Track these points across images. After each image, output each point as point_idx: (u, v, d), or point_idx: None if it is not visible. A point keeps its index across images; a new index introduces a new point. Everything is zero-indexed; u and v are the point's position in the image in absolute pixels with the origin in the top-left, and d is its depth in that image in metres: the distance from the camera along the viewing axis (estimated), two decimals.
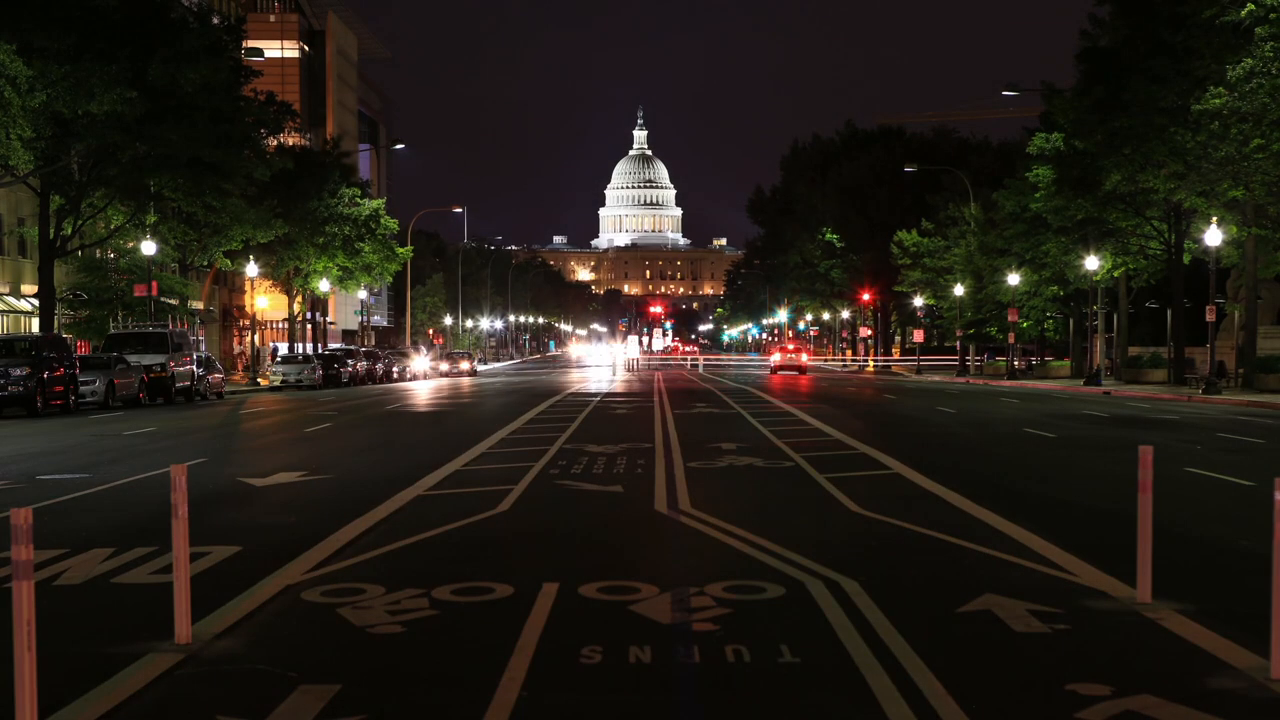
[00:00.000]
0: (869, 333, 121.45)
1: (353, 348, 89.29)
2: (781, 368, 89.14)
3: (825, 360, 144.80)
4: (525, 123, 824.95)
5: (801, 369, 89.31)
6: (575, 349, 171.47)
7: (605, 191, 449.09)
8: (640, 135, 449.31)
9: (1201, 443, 26.99)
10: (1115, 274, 66.48)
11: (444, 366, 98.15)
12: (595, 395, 49.86)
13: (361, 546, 13.37)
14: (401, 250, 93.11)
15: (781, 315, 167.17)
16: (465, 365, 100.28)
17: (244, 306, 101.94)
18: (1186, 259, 61.97)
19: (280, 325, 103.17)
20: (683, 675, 8.49)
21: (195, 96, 50.97)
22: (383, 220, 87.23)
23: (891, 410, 41.52)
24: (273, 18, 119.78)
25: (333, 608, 10.44)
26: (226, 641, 9.38)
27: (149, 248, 56.54)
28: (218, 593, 10.85)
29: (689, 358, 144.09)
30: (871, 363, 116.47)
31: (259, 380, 70.77)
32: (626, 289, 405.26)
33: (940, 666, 8.47)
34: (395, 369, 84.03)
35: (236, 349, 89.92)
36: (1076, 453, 25.34)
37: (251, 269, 76.02)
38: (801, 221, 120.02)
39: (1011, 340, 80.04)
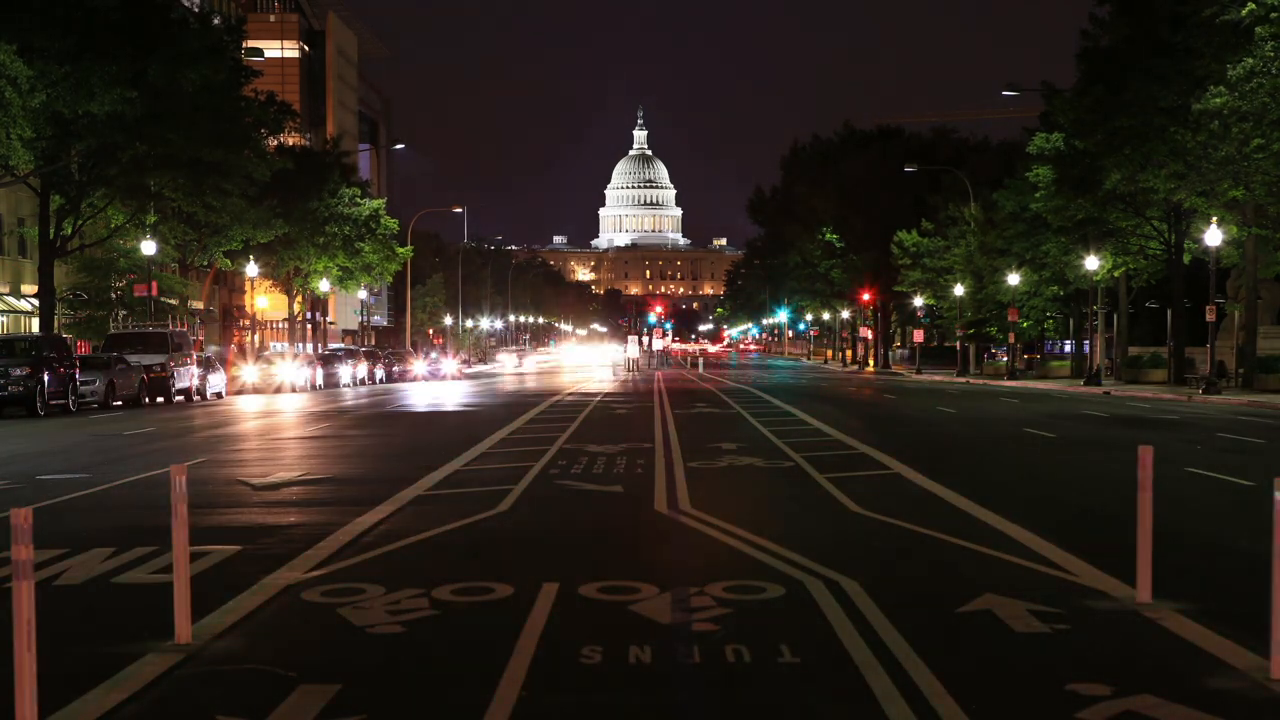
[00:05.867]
0: (869, 333, 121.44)
1: (353, 347, 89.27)
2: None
3: (826, 360, 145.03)
4: (526, 122, 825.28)
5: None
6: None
7: (605, 191, 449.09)
8: (640, 135, 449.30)
9: (1201, 443, 26.98)
10: (1115, 274, 66.47)
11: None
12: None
13: (361, 546, 13.37)
14: (401, 250, 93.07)
15: (782, 315, 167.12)
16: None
17: (244, 306, 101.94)
18: (1186, 259, 61.97)
19: (280, 325, 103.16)
20: (683, 675, 8.49)
21: (195, 97, 50.96)
22: (383, 220, 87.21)
23: (892, 410, 41.51)
24: (273, 18, 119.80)
25: (333, 608, 10.44)
26: (226, 641, 9.38)
27: (149, 248, 56.52)
28: (218, 593, 10.85)
29: (687, 357, 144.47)
30: (872, 362, 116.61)
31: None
32: (626, 289, 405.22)
33: (940, 666, 8.47)
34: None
35: (234, 351, 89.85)
36: (1077, 452, 25.34)
37: (251, 269, 76.03)
38: (801, 221, 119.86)
39: (1012, 340, 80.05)
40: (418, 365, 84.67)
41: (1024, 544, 13.37)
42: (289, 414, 40.01)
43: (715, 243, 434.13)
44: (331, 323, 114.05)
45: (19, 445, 27.76)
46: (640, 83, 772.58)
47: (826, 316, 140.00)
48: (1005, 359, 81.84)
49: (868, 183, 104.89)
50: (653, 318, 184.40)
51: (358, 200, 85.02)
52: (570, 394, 52.14)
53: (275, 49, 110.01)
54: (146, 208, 55.85)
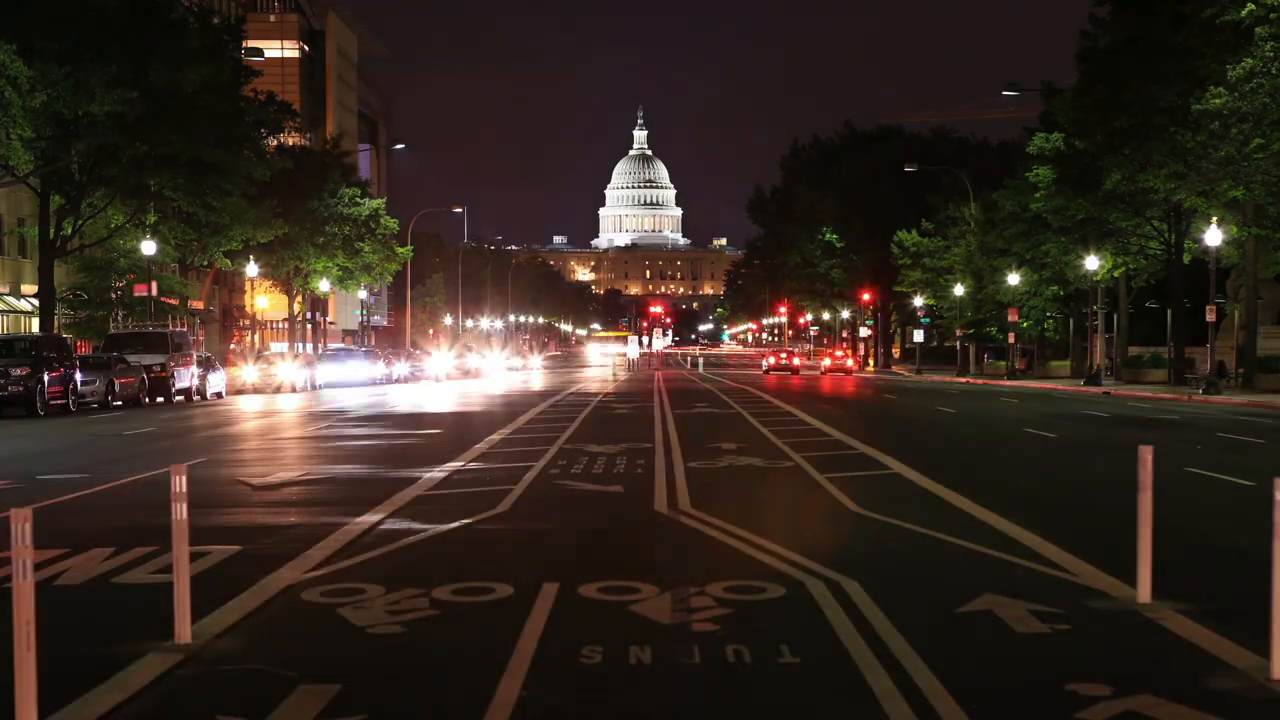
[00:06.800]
0: (869, 333, 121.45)
1: (353, 347, 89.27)
2: (774, 369, 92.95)
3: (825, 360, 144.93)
4: (525, 123, 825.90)
5: (794, 370, 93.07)
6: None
7: (605, 191, 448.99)
8: (640, 135, 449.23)
9: (1201, 443, 26.99)
10: (1115, 274, 66.48)
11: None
12: None
13: (361, 546, 13.37)
14: (401, 250, 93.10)
15: (782, 315, 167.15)
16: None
17: (244, 306, 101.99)
18: (1186, 259, 61.96)
19: (280, 325, 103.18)
20: (683, 675, 8.49)
21: (195, 97, 50.97)
22: (383, 220, 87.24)
23: (891, 410, 41.52)
24: (273, 18, 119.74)
25: (333, 608, 10.44)
26: (226, 641, 9.38)
27: (149, 248, 56.51)
28: (218, 593, 10.84)
29: (688, 357, 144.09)
30: (872, 362, 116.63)
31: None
32: (626, 289, 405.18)
33: (940, 666, 8.47)
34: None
35: (233, 351, 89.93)
36: (1076, 452, 25.35)
37: (251, 269, 76.05)
38: (801, 221, 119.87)
39: (1011, 340, 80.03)
40: (398, 367, 75.88)
41: (1024, 544, 13.36)
42: (288, 414, 40.01)
43: (715, 243, 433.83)
44: (332, 323, 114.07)
45: (19, 445, 27.75)
46: (640, 83, 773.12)
47: (827, 316, 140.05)
48: (1006, 362, 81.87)
49: (868, 183, 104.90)
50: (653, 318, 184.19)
51: (358, 200, 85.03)
52: (569, 394, 52.15)
53: (275, 49, 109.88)
54: (146, 208, 55.84)
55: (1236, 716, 7.62)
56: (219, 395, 52.41)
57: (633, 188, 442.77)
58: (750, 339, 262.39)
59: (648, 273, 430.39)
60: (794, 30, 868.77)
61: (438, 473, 20.38)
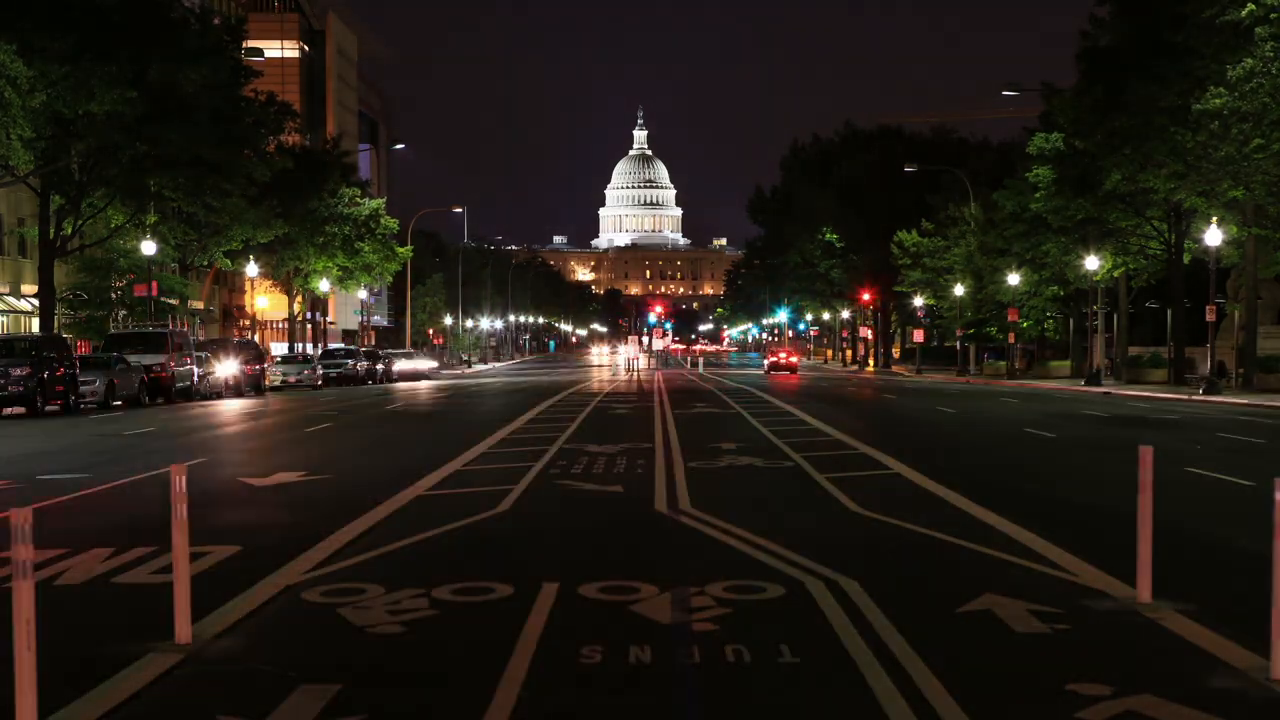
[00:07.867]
0: (869, 333, 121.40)
1: (353, 348, 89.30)
2: (775, 367, 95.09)
3: (825, 360, 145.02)
4: (525, 122, 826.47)
5: (793, 369, 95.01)
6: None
7: (605, 191, 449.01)
8: (640, 135, 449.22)
9: (1201, 443, 26.98)
10: (1115, 274, 66.46)
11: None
12: None
13: (361, 546, 13.37)
14: (401, 250, 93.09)
15: (782, 315, 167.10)
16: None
17: (244, 306, 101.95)
18: (1186, 259, 61.95)
19: (280, 325, 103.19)
20: (682, 675, 8.49)
21: (196, 96, 50.97)
22: (383, 220, 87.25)
23: (891, 410, 41.50)
24: (273, 18, 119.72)
25: (333, 608, 10.44)
26: (226, 641, 9.38)
27: (149, 248, 56.50)
28: (218, 593, 10.84)
29: (688, 355, 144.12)
30: (872, 362, 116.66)
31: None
32: (627, 289, 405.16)
33: (940, 666, 8.47)
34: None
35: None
36: (1077, 452, 25.34)
37: (251, 269, 76.05)
38: (801, 221, 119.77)
39: (1012, 340, 79.98)
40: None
41: (1024, 544, 13.36)
42: (288, 414, 39.98)
43: (715, 243, 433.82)
44: (331, 323, 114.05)
45: (19, 445, 27.75)
46: (640, 83, 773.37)
47: (826, 316, 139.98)
48: (1006, 362, 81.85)
49: (868, 183, 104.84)
50: (653, 318, 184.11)
51: (357, 200, 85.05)
52: (571, 394, 52.15)
53: (275, 49, 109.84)
54: (146, 208, 55.83)
55: (1236, 716, 7.62)
56: (219, 395, 52.40)
57: (633, 188, 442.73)
58: (750, 338, 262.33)
59: (648, 273, 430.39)
60: (794, 30, 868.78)
61: (438, 473, 20.35)
